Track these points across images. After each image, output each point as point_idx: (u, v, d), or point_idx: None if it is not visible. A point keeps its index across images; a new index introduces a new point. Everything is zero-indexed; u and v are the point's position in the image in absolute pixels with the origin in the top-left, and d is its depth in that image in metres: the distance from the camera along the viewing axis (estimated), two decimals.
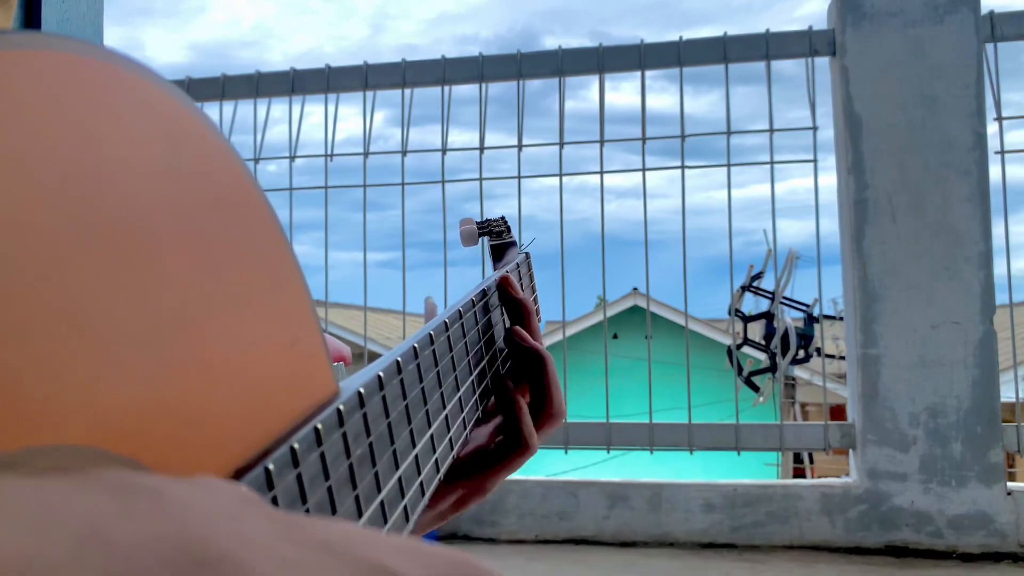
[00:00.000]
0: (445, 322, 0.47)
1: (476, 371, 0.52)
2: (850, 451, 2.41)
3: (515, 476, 2.52)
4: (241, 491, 0.20)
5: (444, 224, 2.68)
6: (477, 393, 0.51)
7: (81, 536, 0.14)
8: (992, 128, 2.37)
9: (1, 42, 0.20)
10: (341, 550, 0.19)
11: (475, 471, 0.53)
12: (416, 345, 0.41)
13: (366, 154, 2.72)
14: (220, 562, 0.16)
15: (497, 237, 0.73)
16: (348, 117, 2.81)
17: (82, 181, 0.21)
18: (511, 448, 0.54)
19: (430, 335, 0.43)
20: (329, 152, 2.75)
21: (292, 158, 2.77)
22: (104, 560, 0.14)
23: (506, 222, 0.74)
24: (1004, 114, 2.38)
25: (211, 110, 2.77)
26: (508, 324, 0.60)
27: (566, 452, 2.54)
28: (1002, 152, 2.38)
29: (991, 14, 2.35)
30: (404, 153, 2.71)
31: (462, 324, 0.50)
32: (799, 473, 7.44)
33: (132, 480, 0.17)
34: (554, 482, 2.49)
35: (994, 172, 2.33)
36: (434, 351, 0.44)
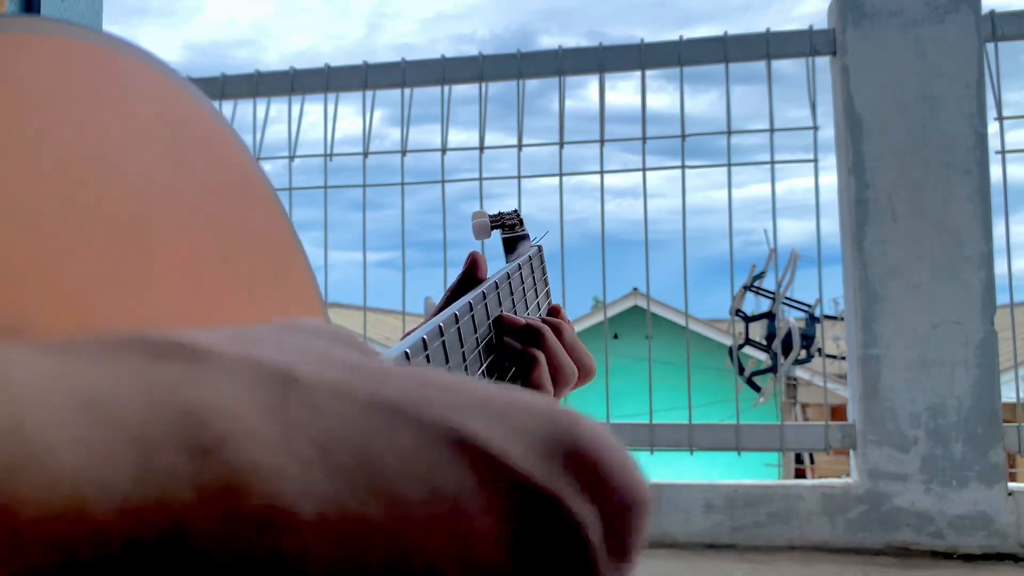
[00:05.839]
0: (455, 314, 0.46)
1: (487, 363, 0.51)
2: (851, 451, 2.41)
3: None
4: None
5: (444, 224, 2.68)
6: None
7: (89, 406, 0.13)
8: (993, 128, 2.37)
9: (1, 25, 0.20)
10: (403, 412, 0.16)
11: None
12: (425, 337, 0.40)
13: (365, 154, 2.72)
14: (241, 439, 0.14)
15: (510, 230, 0.73)
16: (347, 116, 2.81)
17: (82, 166, 0.21)
18: None
19: (439, 327, 0.43)
20: (328, 152, 2.75)
21: (291, 158, 2.77)
22: (109, 435, 0.13)
23: (519, 215, 0.73)
24: (1005, 114, 2.38)
25: None
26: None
27: None
28: (1003, 152, 2.38)
29: (992, 14, 2.35)
30: (404, 153, 2.71)
31: (472, 316, 0.50)
32: (800, 473, 7.44)
33: (170, 342, 0.16)
34: None
35: (995, 172, 2.33)
36: (444, 343, 0.43)
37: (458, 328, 0.46)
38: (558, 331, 0.58)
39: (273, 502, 0.14)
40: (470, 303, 0.50)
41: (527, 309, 0.67)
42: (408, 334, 0.44)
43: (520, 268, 0.66)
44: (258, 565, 0.13)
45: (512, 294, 0.61)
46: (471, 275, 0.61)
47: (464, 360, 0.47)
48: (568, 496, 0.16)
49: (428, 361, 0.39)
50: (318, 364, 0.17)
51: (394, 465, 0.15)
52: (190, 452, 0.14)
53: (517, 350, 0.56)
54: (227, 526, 0.13)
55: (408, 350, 0.35)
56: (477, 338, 0.50)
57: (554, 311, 0.65)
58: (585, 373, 0.59)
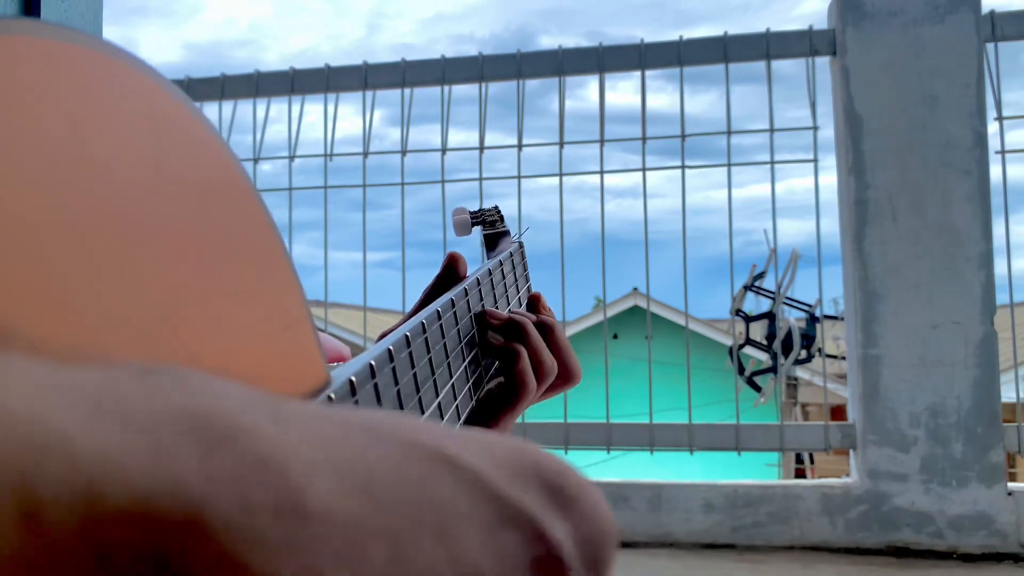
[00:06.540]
0: (437, 311, 0.47)
1: (469, 357, 0.52)
2: (850, 451, 2.41)
3: None
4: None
5: (444, 224, 2.68)
6: (471, 380, 0.51)
7: (97, 402, 0.14)
8: (992, 128, 2.37)
9: None
10: (389, 433, 0.18)
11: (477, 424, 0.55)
12: (408, 333, 0.40)
13: (365, 154, 2.72)
14: (247, 434, 0.15)
15: (491, 226, 0.73)
16: (347, 116, 2.81)
17: (66, 168, 0.21)
18: (507, 393, 0.55)
19: (422, 323, 0.43)
20: (328, 152, 2.75)
21: (291, 158, 2.77)
22: (120, 427, 0.13)
23: (499, 211, 0.74)
24: (1004, 114, 2.38)
25: (210, 110, 2.77)
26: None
27: (566, 452, 2.54)
28: (1003, 152, 2.38)
29: (991, 14, 2.34)
30: (404, 153, 2.71)
31: (455, 312, 0.50)
32: (800, 473, 7.44)
33: (154, 365, 0.17)
34: None
35: (994, 172, 2.33)
36: (426, 339, 0.43)
37: (440, 325, 0.46)
38: (549, 330, 0.59)
39: (287, 493, 0.15)
40: (452, 300, 0.50)
41: (508, 305, 0.67)
42: (391, 330, 0.44)
43: (501, 264, 0.66)
44: (273, 550, 0.14)
45: (494, 289, 0.61)
46: (452, 272, 0.61)
47: (447, 356, 0.47)
48: (537, 509, 0.18)
49: (411, 359, 0.38)
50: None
51: (389, 473, 0.17)
52: (200, 443, 0.14)
53: (500, 344, 0.56)
54: (243, 514, 0.14)
55: (391, 347, 0.35)
56: (459, 332, 0.50)
57: (533, 299, 0.64)
58: (569, 375, 0.60)
